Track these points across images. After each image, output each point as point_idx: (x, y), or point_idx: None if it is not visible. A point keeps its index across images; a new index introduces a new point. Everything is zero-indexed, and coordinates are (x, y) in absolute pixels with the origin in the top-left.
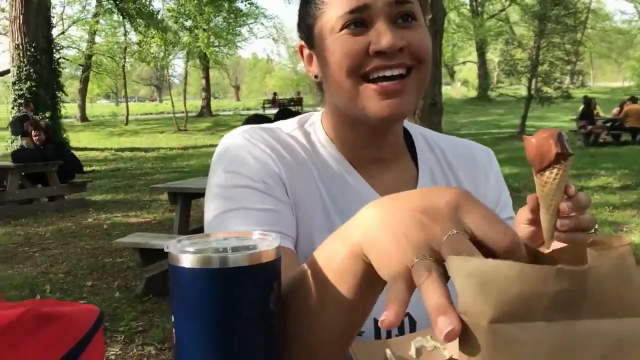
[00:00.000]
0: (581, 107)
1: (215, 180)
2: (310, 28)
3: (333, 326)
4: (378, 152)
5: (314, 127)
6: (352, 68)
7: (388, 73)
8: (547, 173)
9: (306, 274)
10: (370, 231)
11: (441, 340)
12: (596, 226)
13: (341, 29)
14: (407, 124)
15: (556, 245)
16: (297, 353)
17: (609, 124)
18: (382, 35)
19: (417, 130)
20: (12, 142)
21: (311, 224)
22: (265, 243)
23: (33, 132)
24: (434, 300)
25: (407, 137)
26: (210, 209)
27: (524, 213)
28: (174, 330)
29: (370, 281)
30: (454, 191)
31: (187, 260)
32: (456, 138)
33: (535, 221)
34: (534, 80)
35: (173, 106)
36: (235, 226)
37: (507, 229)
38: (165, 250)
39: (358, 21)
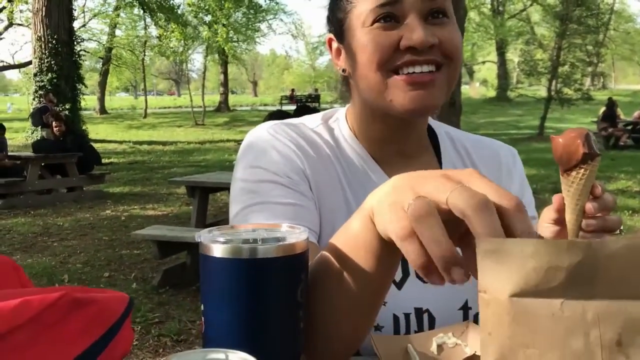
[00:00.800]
0: (602, 109)
1: (241, 175)
2: (341, 22)
3: (354, 299)
4: (403, 146)
5: (338, 122)
6: (383, 62)
7: (418, 69)
8: (573, 173)
9: (326, 252)
10: (382, 196)
11: (460, 336)
12: (621, 227)
13: (372, 23)
14: (432, 121)
15: None
16: (320, 330)
17: (629, 127)
18: (414, 31)
19: (441, 128)
20: (32, 133)
21: (334, 219)
22: (294, 235)
23: (54, 122)
24: (439, 252)
25: (432, 134)
26: (236, 202)
27: (549, 213)
28: (202, 318)
29: (384, 250)
30: (466, 169)
31: (218, 250)
32: (481, 137)
33: (560, 221)
34: (554, 81)
35: (191, 100)
36: (259, 220)
37: (511, 196)
38: (197, 239)
39: (389, 15)
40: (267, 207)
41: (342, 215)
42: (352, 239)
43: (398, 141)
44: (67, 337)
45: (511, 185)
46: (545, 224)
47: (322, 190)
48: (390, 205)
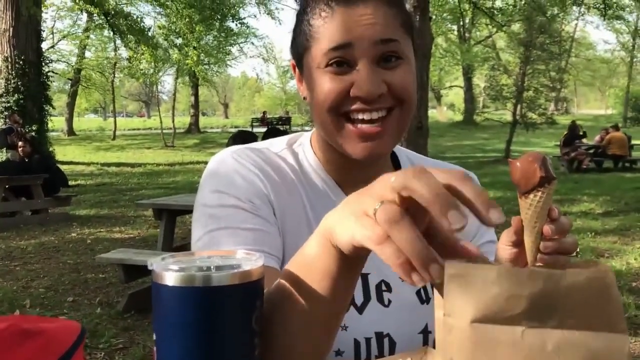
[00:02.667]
0: (564, 132)
1: (203, 200)
2: (300, 56)
3: (311, 322)
4: (364, 174)
5: (303, 147)
6: (333, 107)
7: (367, 117)
8: (531, 196)
9: (282, 278)
10: (337, 212)
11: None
12: (578, 249)
13: (326, 66)
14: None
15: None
16: (278, 355)
17: (591, 151)
18: (363, 81)
19: (403, 153)
20: None
21: (297, 244)
22: (249, 262)
23: (19, 143)
24: (415, 251)
25: (394, 158)
26: (198, 227)
27: (508, 235)
28: (154, 348)
29: (341, 272)
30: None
31: (171, 279)
32: (441, 162)
33: (518, 243)
34: (519, 106)
35: (161, 122)
36: (221, 245)
37: (455, 170)
38: (149, 267)
39: (341, 60)
40: (230, 232)
41: (305, 240)
42: (308, 262)
43: (360, 169)
44: None
45: None
46: (503, 246)
47: (286, 215)
48: (351, 215)
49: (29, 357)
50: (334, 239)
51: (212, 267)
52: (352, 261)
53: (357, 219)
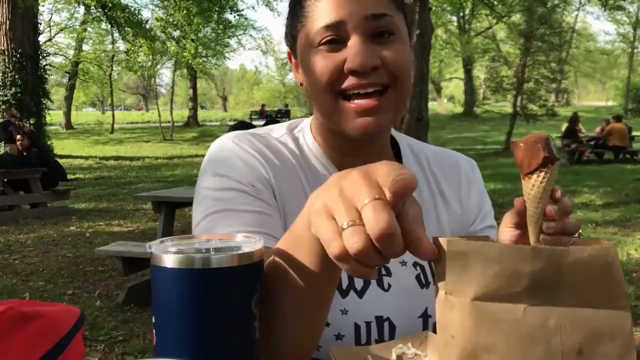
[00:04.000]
0: (565, 124)
1: (204, 184)
2: (294, 39)
3: (302, 299)
4: (364, 159)
5: (303, 132)
6: (328, 85)
7: (362, 91)
8: (534, 176)
9: (274, 255)
10: (317, 196)
11: (421, 348)
12: (580, 230)
13: (319, 44)
14: (395, 133)
15: None
16: (274, 333)
17: (592, 142)
18: (355, 54)
19: (404, 140)
20: None
21: None
22: (249, 245)
23: (17, 136)
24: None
25: (395, 146)
26: (199, 211)
27: (511, 216)
28: (153, 331)
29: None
30: (389, 163)
31: (170, 261)
32: (441, 148)
33: (521, 224)
34: (519, 98)
35: (159, 115)
36: (222, 228)
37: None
38: (148, 250)
39: (334, 38)
40: (231, 215)
41: None
42: (295, 238)
43: (359, 153)
44: (12, 352)
45: (470, 194)
46: (506, 228)
47: (286, 199)
48: (322, 209)
49: (29, 339)
50: (311, 226)
51: (211, 249)
52: None
53: (323, 219)
